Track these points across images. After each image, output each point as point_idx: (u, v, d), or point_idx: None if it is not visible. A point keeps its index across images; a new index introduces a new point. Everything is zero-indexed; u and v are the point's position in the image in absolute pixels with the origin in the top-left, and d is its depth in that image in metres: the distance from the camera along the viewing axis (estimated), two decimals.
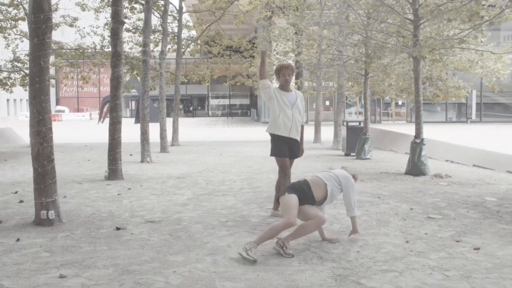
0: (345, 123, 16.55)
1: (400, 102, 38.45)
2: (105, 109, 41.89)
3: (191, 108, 65.37)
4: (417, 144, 11.24)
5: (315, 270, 4.87)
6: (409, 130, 25.81)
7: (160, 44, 23.08)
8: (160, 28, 23.18)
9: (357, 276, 4.71)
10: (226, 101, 64.30)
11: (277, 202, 7.00)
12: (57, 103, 58.48)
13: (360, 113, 43.07)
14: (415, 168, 11.16)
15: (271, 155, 7.19)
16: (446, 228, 6.41)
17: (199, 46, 24.75)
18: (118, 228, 6.52)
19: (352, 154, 15.88)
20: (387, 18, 11.25)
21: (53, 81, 28.70)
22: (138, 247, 5.69)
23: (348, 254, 5.37)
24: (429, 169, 11.25)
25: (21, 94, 50.08)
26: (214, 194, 9.05)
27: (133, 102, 55.34)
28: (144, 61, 14.87)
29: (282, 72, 7.00)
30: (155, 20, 21.26)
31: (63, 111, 54.22)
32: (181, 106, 65.88)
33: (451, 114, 41.85)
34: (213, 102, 64.72)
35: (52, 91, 59.85)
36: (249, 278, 4.70)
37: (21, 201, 8.40)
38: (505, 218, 6.97)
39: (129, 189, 9.65)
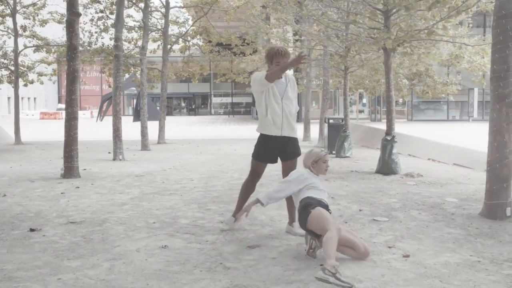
0: (326, 120, 15.98)
1: (400, 100, 37.70)
2: (104, 107, 41.57)
3: (193, 107, 64.94)
4: (387, 142, 10.68)
5: (213, 280, 4.36)
6: (407, 128, 25.23)
7: (159, 42, 22.81)
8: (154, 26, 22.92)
9: (256, 286, 4.20)
10: (228, 100, 63.77)
11: (239, 209, 5.93)
12: (59, 101, 58.27)
13: (361, 111, 42.44)
14: (386, 166, 10.60)
15: (252, 156, 6.11)
16: (385, 232, 5.87)
17: (187, 42, 24.24)
18: (32, 230, 6.05)
19: (333, 152, 15.32)
20: (357, 9, 10.70)
21: (54, 78, 28.42)
22: (40, 251, 5.22)
23: (260, 261, 4.85)
24: (400, 168, 10.69)
25: (23, 92, 49.95)
26: (162, 193, 8.56)
27: (135, 100, 54.93)
28: (116, 56, 14.42)
29: (277, 60, 5.75)
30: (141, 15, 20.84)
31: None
32: (183, 105, 65.53)
33: (454, 112, 41.09)
34: (215, 100, 64.22)
35: (55, 89, 59.82)
36: (135, 287, 4.20)
37: None
38: (456, 221, 6.42)
39: (77, 187, 9.18)
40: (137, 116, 25.24)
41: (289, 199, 5.73)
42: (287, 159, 5.95)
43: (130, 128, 24.94)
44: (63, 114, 49.69)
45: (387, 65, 10.48)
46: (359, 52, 12.40)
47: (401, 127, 22.26)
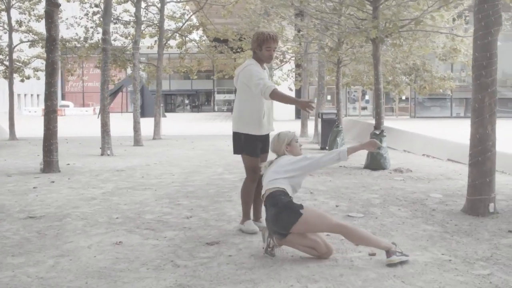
0: (320, 115, 15.62)
1: (403, 97, 37.22)
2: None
3: (196, 103, 64.63)
4: (376, 136, 10.32)
5: (157, 279, 4.05)
6: (409, 125, 24.80)
7: (156, 37, 22.41)
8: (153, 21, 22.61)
9: (200, 286, 3.89)
10: (232, 96, 63.34)
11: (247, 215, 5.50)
12: (63, 98, 58.15)
13: (364, 108, 41.98)
14: (374, 162, 10.25)
15: (238, 152, 5.49)
16: None
17: (184, 38, 23.87)
18: None
19: (327, 148, 14.96)
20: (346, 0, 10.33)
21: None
22: None
23: (214, 259, 4.54)
24: (389, 163, 10.34)
25: (26, 89, 49.93)
26: (136, 188, 8.26)
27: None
28: (104, 49, 14.12)
29: (268, 45, 5.25)
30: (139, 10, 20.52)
31: (68, 106, 53.85)
32: (186, 101, 65.23)
33: (458, 109, 40.49)
34: (218, 97, 63.87)
35: (58, 85, 59.65)
36: (72, 286, 3.91)
37: None
38: (435, 217, 6.07)
39: (52, 182, 8.89)
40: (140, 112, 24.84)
41: (257, 195, 5.40)
42: (265, 151, 5.57)
43: (131, 125, 24.65)
44: (65, 110, 49.49)
45: (375, 56, 10.11)
46: (349, 43, 12.03)
47: (402, 124, 21.90)
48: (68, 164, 11.52)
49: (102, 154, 13.84)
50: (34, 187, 8.33)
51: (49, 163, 10.12)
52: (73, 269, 4.29)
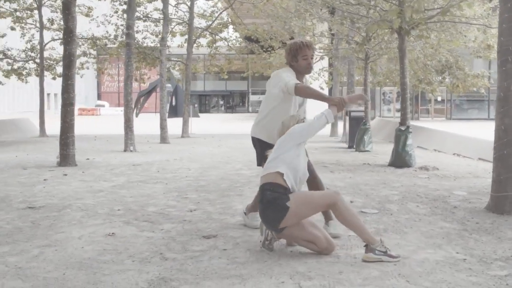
0: (348, 113, 15.17)
1: (439, 99, 36.28)
2: (139, 104, 41.47)
3: (231, 104, 64.55)
4: (401, 132, 9.85)
5: (140, 271, 3.76)
6: (444, 127, 24.07)
7: (186, 35, 22.26)
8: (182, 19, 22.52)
9: (184, 280, 3.58)
10: None
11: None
12: (99, 98, 58.80)
13: (399, 110, 41.11)
14: (399, 159, 9.79)
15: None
16: (368, 225, 5.09)
17: (214, 36, 23.66)
18: None
19: (354, 146, 14.50)
20: None
21: (82, 72, 28.37)
22: None
23: (207, 253, 4.23)
24: (415, 161, 9.86)
25: (59, 88, 50.55)
26: (147, 182, 8.02)
27: (172, 97, 54.88)
28: (127, 44, 14.00)
29: (304, 54, 4.70)
30: (170, 9, 20.42)
31: (103, 106, 54.40)
32: (221, 102, 65.19)
33: None
34: (253, 98, 63.55)
35: (94, 85, 60.37)
36: (49, 277, 3.65)
37: None
38: (456, 215, 5.63)
39: (65, 175, 8.73)
40: (172, 112, 24.77)
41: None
42: None
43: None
44: (101, 110, 50.02)
45: (401, 49, 9.67)
46: (376, 38, 11.58)
47: (438, 126, 21.21)
48: (88, 158, 11.39)
49: (124, 150, 13.71)
50: (44, 179, 8.17)
51: (65, 157, 9.98)
52: (55, 260, 4.04)
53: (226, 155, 12.57)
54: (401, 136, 9.82)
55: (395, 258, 3.97)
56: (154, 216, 5.56)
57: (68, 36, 9.90)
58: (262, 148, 4.92)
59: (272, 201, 4.10)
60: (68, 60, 9.97)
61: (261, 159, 4.88)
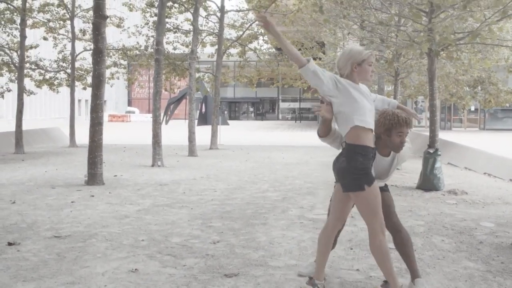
0: None
1: (472, 108, 35.68)
2: (169, 111, 41.86)
3: (261, 111, 64.64)
4: (430, 155, 9.74)
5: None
6: (477, 138, 23.65)
7: (216, 46, 22.40)
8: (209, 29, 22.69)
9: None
10: (296, 105, 63.00)
11: None
12: (129, 104, 59.50)
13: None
14: (427, 182, 9.67)
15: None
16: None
17: (244, 47, 23.75)
18: (10, 244, 5.70)
19: None
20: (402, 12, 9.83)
21: (112, 82, 28.80)
22: (2, 269, 4.83)
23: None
24: (443, 183, 9.73)
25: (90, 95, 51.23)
26: (173, 205, 8.08)
27: (203, 105, 55.17)
28: (156, 60, 14.13)
29: (400, 130, 4.17)
30: (200, 20, 20.62)
31: (133, 112, 55.03)
32: (251, 109, 65.33)
33: None
34: (283, 105, 63.64)
35: (125, 92, 61.12)
36: None
37: None
38: (481, 252, 5.54)
39: (92, 196, 8.86)
40: (202, 120, 24.93)
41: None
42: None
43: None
44: (131, 117, 50.58)
45: (430, 71, 9.56)
46: (405, 56, 11.48)
47: (469, 137, 20.90)
48: (115, 175, 11.54)
49: (152, 165, 13.84)
50: (72, 202, 8.30)
51: (93, 176, 10.13)
52: None
53: (253, 172, 12.58)
54: (429, 159, 9.70)
55: None
56: (177, 249, 5.59)
57: (98, 56, 10.05)
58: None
59: (355, 172, 3.92)
60: (98, 80, 10.13)
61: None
